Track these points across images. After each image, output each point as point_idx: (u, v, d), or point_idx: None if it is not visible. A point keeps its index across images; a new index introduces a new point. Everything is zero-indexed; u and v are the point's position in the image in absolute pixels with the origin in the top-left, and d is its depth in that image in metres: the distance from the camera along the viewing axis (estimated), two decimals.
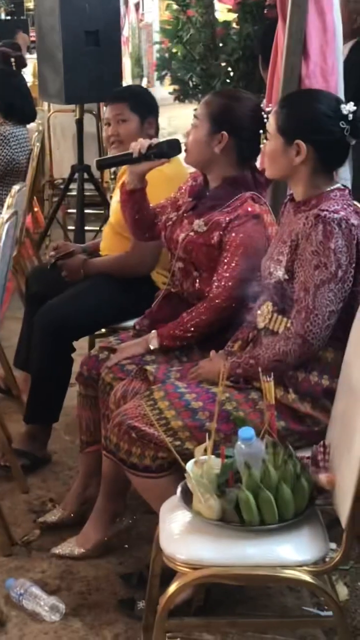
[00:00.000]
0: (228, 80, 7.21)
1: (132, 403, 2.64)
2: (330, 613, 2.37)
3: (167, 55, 8.08)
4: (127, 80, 15.85)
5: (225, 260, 2.88)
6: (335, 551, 2.22)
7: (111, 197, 3.74)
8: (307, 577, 2.13)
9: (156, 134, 3.71)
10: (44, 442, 3.68)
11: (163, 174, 3.22)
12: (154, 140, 3.09)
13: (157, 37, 10.21)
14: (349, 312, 2.46)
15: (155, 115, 3.73)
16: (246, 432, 2.17)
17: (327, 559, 2.21)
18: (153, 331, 2.98)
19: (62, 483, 3.56)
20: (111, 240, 3.73)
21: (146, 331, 3.04)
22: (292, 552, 2.15)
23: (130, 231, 3.27)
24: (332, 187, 2.59)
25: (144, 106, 3.69)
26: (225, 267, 2.88)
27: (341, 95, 3.66)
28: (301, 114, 2.57)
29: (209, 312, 2.89)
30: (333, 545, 2.48)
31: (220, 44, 7.30)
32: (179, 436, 2.53)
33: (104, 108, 8.22)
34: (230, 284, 2.86)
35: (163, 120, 4.01)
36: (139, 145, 3.03)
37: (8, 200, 3.70)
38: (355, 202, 2.65)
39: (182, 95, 8.03)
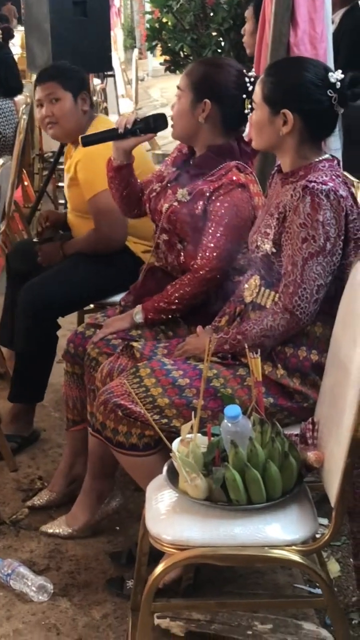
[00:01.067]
0: (219, 50, 7.14)
1: (118, 381, 2.60)
2: None
3: (157, 25, 7.98)
4: (119, 52, 15.75)
5: (210, 231, 2.83)
6: (326, 527, 2.18)
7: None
8: (295, 557, 2.10)
9: (91, 108, 3.66)
10: (29, 421, 3.65)
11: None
12: (140, 115, 3.02)
13: (148, 7, 10.09)
14: (337, 286, 2.41)
15: (87, 89, 3.68)
16: (232, 410, 2.12)
17: (317, 536, 2.17)
18: (138, 305, 2.93)
19: (51, 460, 3.54)
20: (78, 227, 3.71)
21: (132, 307, 2.99)
22: (280, 531, 2.11)
23: (120, 208, 3.21)
24: (320, 158, 2.53)
25: (75, 82, 3.62)
26: (210, 237, 2.82)
27: (330, 63, 3.62)
28: (288, 83, 2.51)
29: (193, 283, 2.84)
30: (324, 521, 2.45)
31: (211, 13, 7.22)
32: (166, 414, 2.48)
33: (93, 80, 8.15)
34: (215, 254, 2.81)
35: (155, 91, 3.96)
36: (125, 120, 2.97)
37: None
38: (345, 173, 2.60)
39: (173, 65, 7.95)
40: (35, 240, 3.86)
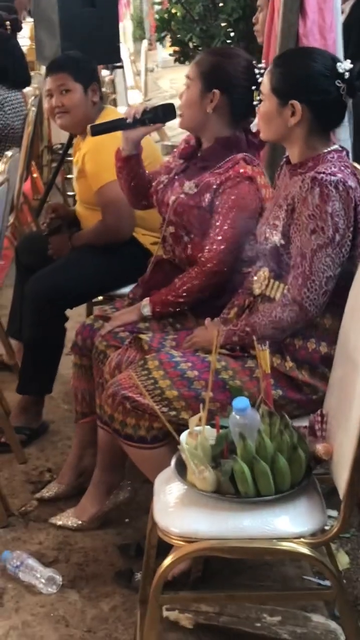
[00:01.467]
0: (228, 41, 7.10)
1: (126, 373, 2.59)
2: None
3: (166, 16, 7.95)
4: (128, 43, 15.70)
5: (217, 223, 2.82)
6: (335, 519, 2.17)
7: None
8: (304, 549, 2.09)
9: (100, 100, 3.65)
10: (38, 413, 3.65)
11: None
12: (149, 105, 3.01)
13: None
14: (347, 278, 2.39)
15: (98, 81, 3.68)
16: (240, 402, 2.12)
17: (326, 528, 2.17)
18: (145, 298, 2.92)
19: (60, 453, 3.53)
20: (86, 219, 3.70)
21: (140, 299, 2.98)
22: (289, 523, 2.11)
23: (128, 199, 3.21)
24: (329, 149, 2.51)
25: (87, 73, 3.62)
26: (217, 230, 2.81)
27: (340, 53, 3.60)
28: (296, 73, 2.49)
29: (200, 276, 2.83)
30: (334, 513, 2.45)
31: (220, 4, 7.19)
32: (174, 406, 2.48)
33: (102, 71, 8.12)
34: (222, 247, 2.80)
35: (165, 82, 3.94)
36: (134, 110, 2.97)
37: (0, 167, 3.63)
38: (354, 164, 2.58)
39: (183, 56, 7.92)
40: (43, 230, 3.85)
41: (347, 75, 2.44)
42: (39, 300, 3.43)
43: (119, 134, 3.05)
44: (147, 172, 3.12)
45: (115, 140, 3.08)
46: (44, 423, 3.69)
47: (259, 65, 2.86)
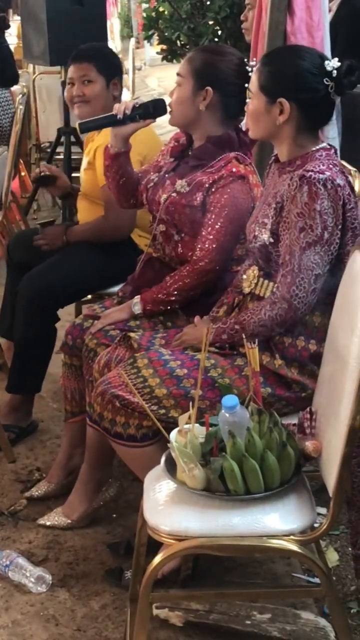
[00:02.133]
0: (216, 39, 7.11)
1: (115, 371, 2.59)
2: None
3: (154, 14, 7.95)
4: (116, 41, 15.69)
5: (209, 222, 2.82)
6: (324, 516, 2.18)
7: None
8: (294, 547, 2.09)
9: (120, 95, 3.63)
10: (28, 412, 3.65)
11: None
12: (139, 101, 3.00)
13: None
14: (335, 275, 2.40)
15: (120, 76, 3.66)
16: (229, 400, 2.12)
17: (316, 525, 2.17)
18: (136, 296, 2.92)
19: (49, 451, 3.53)
20: (87, 211, 3.68)
21: (129, 298, 2.99)
22: (278, 521, 2.11)
23: (115, 197, 3.19)
24: (317, 147, 2.52)
25: (112, 67, 3.61)
26: (209, 229, 2.81)
27: (327, 51, 3.60)
28: (284, 72, 2.49)
29: (192, 275, 2.83)
30: (323, 510, 2.45)
31: (207, 2, 7.19)
32: (164, 404, 2.48)
33: None
34: (214, 246, 2.80)
35: (152, 81, 3.94)
36: (124, 106, 2.95)
37: None
38: (342, 162, 2.59)
39: (170, 55, 7.93)
40: (33, 181, 3.84)
41: (335, 73, 2.45)
42: (32, 298, 3.42)
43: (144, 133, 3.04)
44: (135, 170, 3.11)
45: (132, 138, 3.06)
46: (34, 422, 3.69)
47: (251, 63, 2.86)
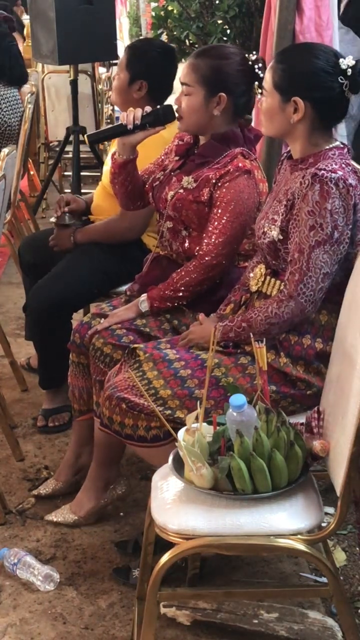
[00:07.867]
0: (225, 39, 7.08)
1: (122, 375, 2.60)
2: None
3: (162, 13, 7.93)
4: (124, 40, 15.67)
5: (216, 217, 2.82)
6: (332, 516, 2.18)
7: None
8: (301, 546, 2.09)
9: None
10: (65, 398, 3.66)
11: (160, 136, 3.12)
12: (147, 108, 2.98)
13: None
14: (343, 274, 2.40)
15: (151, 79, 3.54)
16: (237, 399, 2.12)
17: (323, 525, 2.17)
18: (143, 294, 2.92)
19: (57, 450, 3.54)
20: (103, 200, 3.67)
21: (137, 296, 2.99)
22: (286, 520, 2.11)
23: (121, 203, 3.18)
24: (330, 145, 2.50)
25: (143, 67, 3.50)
26: (216, 223, 2.81)
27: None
28: (298, 70, 2.47)
29: (198, 270, 2.84)
30: (330, 510, 2.45)
31: (216, 1, 7.17)
32: (169, 405, 2.48)
33: (99, 68, 8.11)
34: (220, 240, 2.80)
35: None
36: (132, 115, 2.93)
37: None
38: (354, 163, 2.58)
39: (179, 54, 7.90)
40: (52, 220, 3.82)
41: (350, 71, 2.43)
42: (42, 312, 3.45)
43: (166, 131, 3.03)
44: (139, 172, 3.10)
45: (158, 136, 3.04)
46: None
47: (252, 58, 2.86)
